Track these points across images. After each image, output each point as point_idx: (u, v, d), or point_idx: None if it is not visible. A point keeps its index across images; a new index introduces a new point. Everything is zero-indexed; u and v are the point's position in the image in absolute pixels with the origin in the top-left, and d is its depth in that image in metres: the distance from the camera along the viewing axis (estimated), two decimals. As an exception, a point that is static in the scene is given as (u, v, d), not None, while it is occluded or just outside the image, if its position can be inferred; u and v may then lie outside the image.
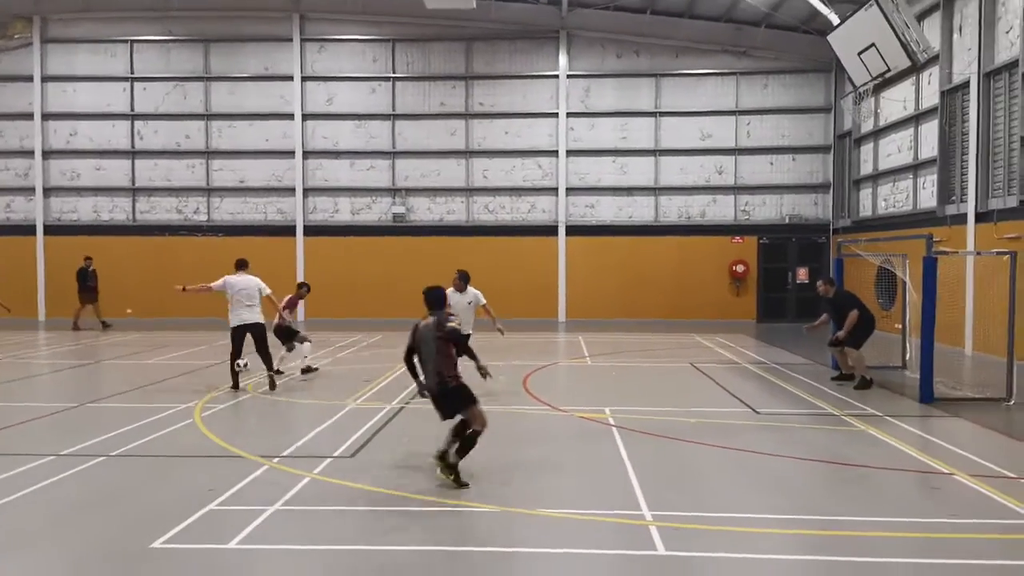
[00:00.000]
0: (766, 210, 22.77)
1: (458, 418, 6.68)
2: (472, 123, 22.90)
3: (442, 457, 6.51)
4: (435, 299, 6.84)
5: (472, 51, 22.81)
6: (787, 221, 22.64)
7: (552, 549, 5.28)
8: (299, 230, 22.94)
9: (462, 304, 10.70)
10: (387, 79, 22.84)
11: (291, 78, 22.71)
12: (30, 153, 22.97)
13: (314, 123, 22.98)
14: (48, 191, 23.10)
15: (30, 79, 22.80)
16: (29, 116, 22.89)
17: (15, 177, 23.18)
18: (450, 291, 10.38)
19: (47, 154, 23.03)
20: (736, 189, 22.71)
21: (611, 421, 9.06)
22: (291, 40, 22.65)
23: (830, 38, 17.86)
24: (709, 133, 22.61)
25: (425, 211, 23.10)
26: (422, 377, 6.73)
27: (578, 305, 22.64)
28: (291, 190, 22.95)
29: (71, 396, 10.87)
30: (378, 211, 23.10)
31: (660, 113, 22.63)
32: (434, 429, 6.98)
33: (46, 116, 22.94)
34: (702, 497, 6.31)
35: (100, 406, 10.07)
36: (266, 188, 23.06)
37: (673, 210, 22.85)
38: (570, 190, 22.82)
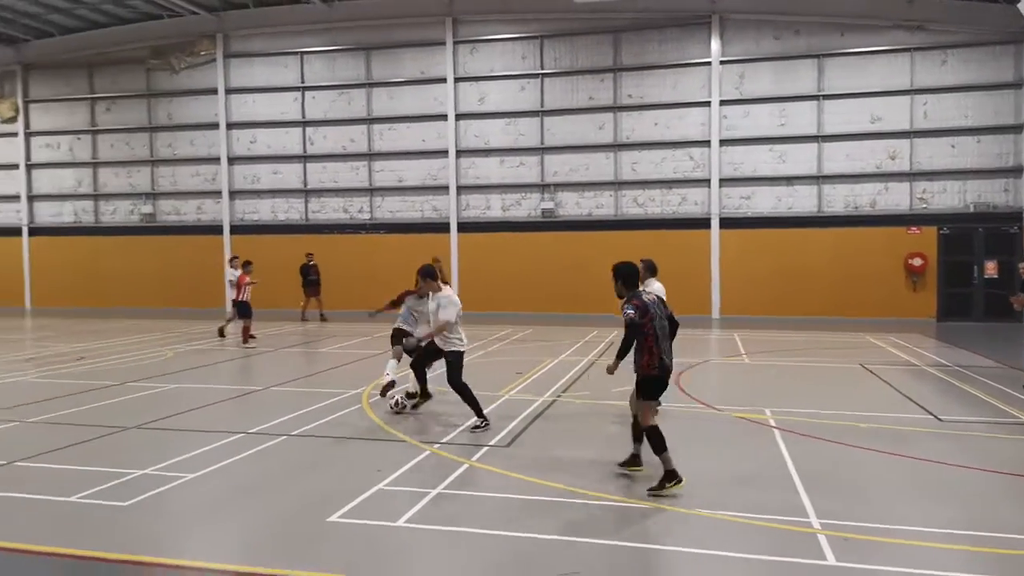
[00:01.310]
0: (947, 198, 20.83)
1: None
2: (620, 116, 22.67)
3: (636, 460, 6.56)
4: (633, 273, 6.52)
5: (620, 43, 22.57)
6: (972, 209, 20.58)
7: (709, 551, 5.15)
8: (453, 227, 23.74)
9: None
10: (536, 76, 23.10)
11: (444, 80, 23.52)
12: (217, 160, 25.37)
13: (466, 123, 23.68)
14: (233, 194, 25.40)
15: (215, 92, 25.15)
16: (215, 126, 25.27)
17: (204, 182, 25.69)
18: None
19: (231, 160, 25.33)
20: (912, 175, 20.95)
21: (772, 422, 8.69)
22: (444, 44, 23.45)
23: (1021, 6, 16.04)
24: (879, 115, 21.00)
25: (573, 206, 23.17)
26: (667, 355, 6.37)
27: (733, 301, 21.84)
28: (445, 188, 23.80)
29: (257, 380, 11.93)
30: (527, 207, 23.45)
31: (823, 96, 21.30)
32: (585, 424, 7.00)
33: (230, 125, 25.22)
34: (875, 507, 5.90)
35: (282, 389, 10.96)
36: (422, 187, 24.06)
37: (838, 199, 21.45)
38: (724, 181, 22.03)
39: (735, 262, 21.80)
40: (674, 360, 9.17)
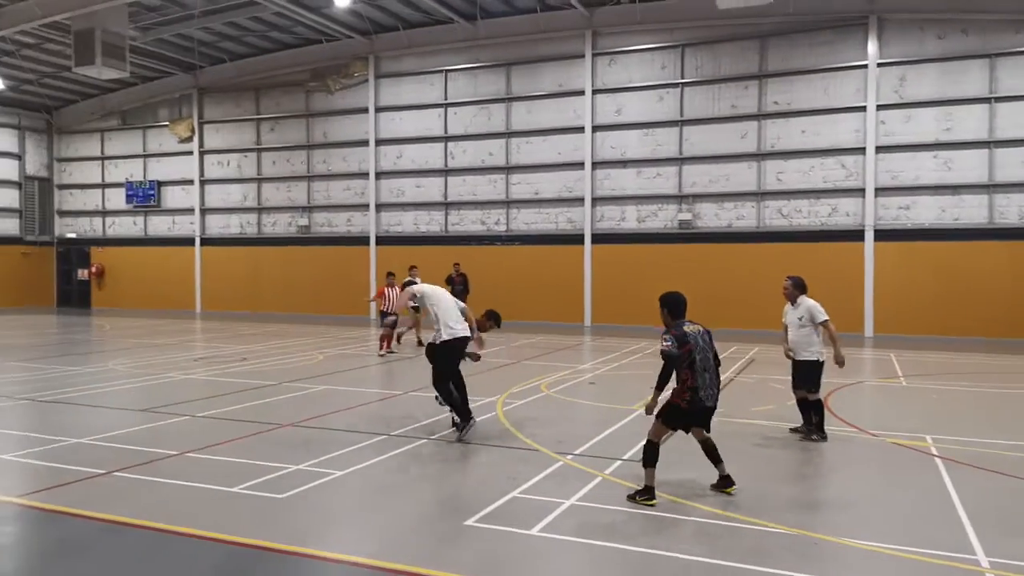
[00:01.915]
0: None
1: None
2: (765, 124, 21.82)
3: (728, 481, 6.39)
4: (679, 303, 6.43)
5: (766, 48, 21.75)
6: None
7: (863, 583, 4.82)
8: (587, 238, 23.74)
9: (792, 321, 8.57)
10: (675, 86, 22.71)
11: (582, 93, 23.62)
12: (366, 175, 26.81)
13: (603, 134, 23.64)
14: (379, 207, 26.74)
15: (366, 111, 26.61)
16: (365, 143, 26.72)
17: (354, 195, 27.20)
18: (787, 307, 8.69)
19: (379, 175, 26.68)
20: (1102, 183, 18.74)
21: (934, 451, 8.02)
22: (583, 56, 23.57)
23: None
24: (1063, 117, 18.95)
25: (712, 217, 22.52)
26: (704, 391, 6.23)
27: (889, 318, 20.36)
28: (580, 200, 23.85)
29: (399, 384, 12.44)
30: (664, 218, 23.04)
31: (995, 98, 19.50)
32: (721, 444, 6.76)
33: (379, 142, 26.59)
34: (1058, 549, 5.29)
35: (420, 395, 11.37)
36: (557, 199, 24.24)
37: (1013, 210, 19.52)
38: (879, 190, 20.64)
39: (892, 276, 20.35)
40: (823, 379, 8.80)
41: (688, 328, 6.31)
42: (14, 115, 31.53)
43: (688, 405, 6.23)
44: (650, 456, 6.26)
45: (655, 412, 6.44)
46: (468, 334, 8.62)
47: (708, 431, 6.53)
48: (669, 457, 7.80)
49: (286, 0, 22.14)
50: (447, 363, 8.55)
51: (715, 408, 6.43)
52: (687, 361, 6.16)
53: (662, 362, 6.27)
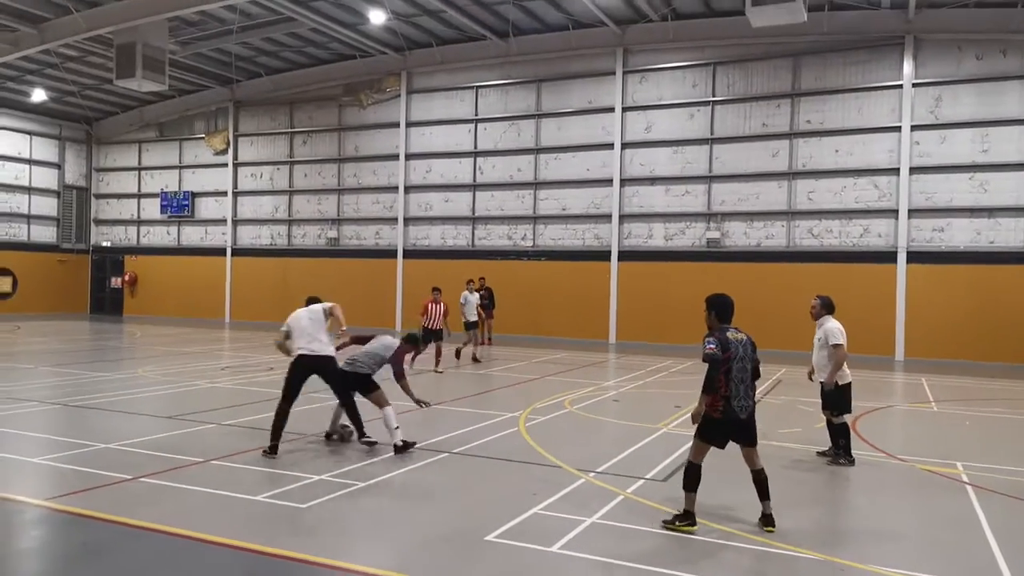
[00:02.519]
0: None
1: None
2: (797, 142, 21.63)
3: (769, 520, 6.05)
4: (727, 305, 6.24)
5: (799, 67, 21.61)
6: None
7: (891, 613, 4.70)
8: (614, 255, 23.66)
9: (815, 341, 8.49)
10: (706, 103, 22.63)
11: (612, 110, 23.64)
12: (395, 188, 27.05)
13: (632, 151, 23.61)
14: (407, 220, 26.93)
15: (397, 125, 26.89)
16: (396, 157, 26.98)
17: (383, 209, 27.45)
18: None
19: (408, 189, 26.90)
20: None
21: (964, 478, 7.82)
22: (614, 74, 23.60)
23: None
24: (1105, 140, 18.53)
25: (741, 236, 22.33)
26: (738, 401, 6.02)
27: (920, 342, 19.96)
28: (608, 216, 23.80)
29: (423, 398, 12.44)
30: (692, 236, 22.90)
31: (1034, 120, 19.16)
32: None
33: (408, 156, 26.83)
34: (1096, 585, 5.12)
35: (445, 408, 11.38)
36: (585, 215, 24.21)
37: (1051, 234, 19.10)
38: (913, 211, 20.31)
39: (924, 299, 19.97)
40: (852, 406, 8.65)
41: (732, 335, 6.08)
42: (55, 126, 32.39)
43: (721, 415, 6.01)
44: (691, 479, 6.03)
45: (694, 431, 6.22)
46: (319, 351, 8.44)
47: (753, 444, 6.18)
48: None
49: (323, 17, 22.52)
50: (288, 378, 8.43)
51: (752, 423, 6.13)
52: (724, 368, 5.98)
53: (704, 369, 6.09)
